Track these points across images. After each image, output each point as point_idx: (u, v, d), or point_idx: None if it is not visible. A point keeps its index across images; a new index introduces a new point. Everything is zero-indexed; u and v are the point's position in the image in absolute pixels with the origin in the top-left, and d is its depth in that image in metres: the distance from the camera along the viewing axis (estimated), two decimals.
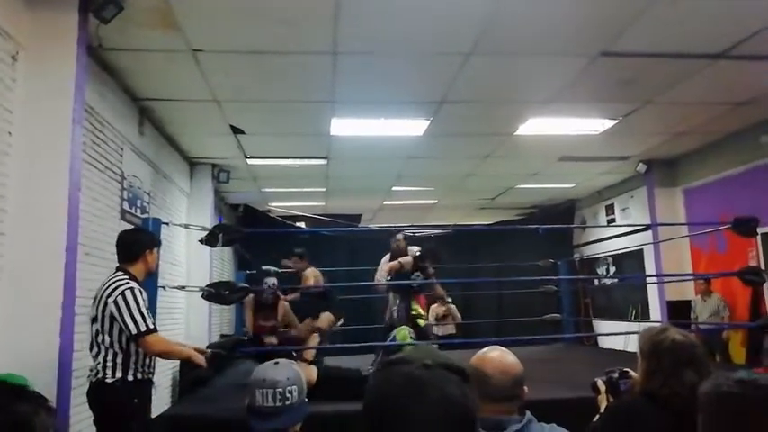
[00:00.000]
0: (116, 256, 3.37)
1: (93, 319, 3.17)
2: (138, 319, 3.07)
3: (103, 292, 3.16)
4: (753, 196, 6.57)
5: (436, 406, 0.83)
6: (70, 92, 3.41)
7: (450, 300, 8.05)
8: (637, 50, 4.54)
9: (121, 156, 5.08)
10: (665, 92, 5.45)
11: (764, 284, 6.25)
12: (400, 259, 5.89)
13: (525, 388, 1.77)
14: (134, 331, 3.06)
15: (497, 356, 1.79)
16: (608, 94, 5.48)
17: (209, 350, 3.68)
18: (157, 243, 3.55)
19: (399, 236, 6.21)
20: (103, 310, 3.13)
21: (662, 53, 4.62)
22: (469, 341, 6.60)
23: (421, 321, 5.89)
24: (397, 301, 5.79)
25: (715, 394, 1.16)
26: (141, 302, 3.12)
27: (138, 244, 3.37)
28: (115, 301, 3.09)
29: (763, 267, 6.24)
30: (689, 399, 1.68)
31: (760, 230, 6.06)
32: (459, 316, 8.21)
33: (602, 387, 2.35)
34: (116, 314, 3.08)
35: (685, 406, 1.69)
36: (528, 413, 1.73)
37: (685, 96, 5.58)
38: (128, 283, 3.16)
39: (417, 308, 6.00)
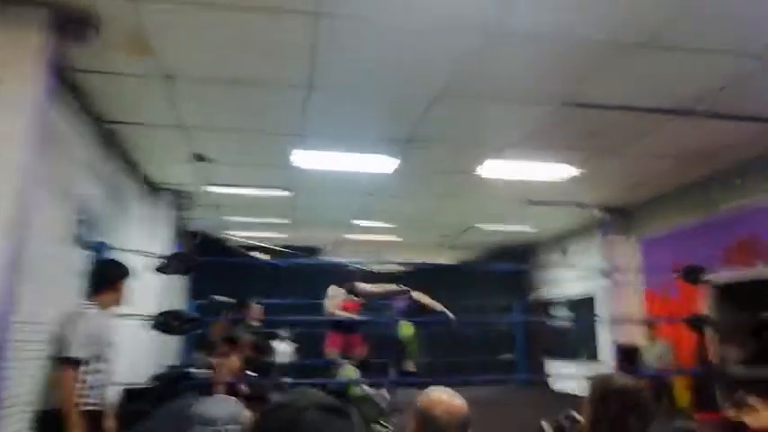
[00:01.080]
0: (66, 279, 3.34)
1: (49, 342, 3.17)
2: (68, 344, 3.03)
3: (64, 315, 3.19)
4: (705, 247, 6.82)
5: None
6: (27, 108, 3.32)
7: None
8: (600, 102, 4.72)
9: (78, 177, 4.92)
10: (626, 143, 5.67)
11: (710, 332, 6.49)
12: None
13: None
14: (59, 353, 3.03)
15: (445, 399, 1.82)
16: (570, 142, 5.67)
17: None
18: (128, 273, 3.52)
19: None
20: (55, 333, 3.14)
21: (624, 106, 4.81)
22: (425, 381, 6.55)
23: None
24: None
25: None
26: (83, 330, 3.07)
27: (109, 274, 3.40)
28: (62, 324, 3.10)
29: (710, 314, 6.45)
30: None
31: (710, 279, 6.30)
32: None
33: (548, 431, 2.38)
34: (61, 335, 3.07)
35: None
36: None
37: (644, 149, 5.82)
38: (82, 309, 3.19)
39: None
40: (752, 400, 4.08)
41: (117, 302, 3.41)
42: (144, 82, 4.29)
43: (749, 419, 3.32)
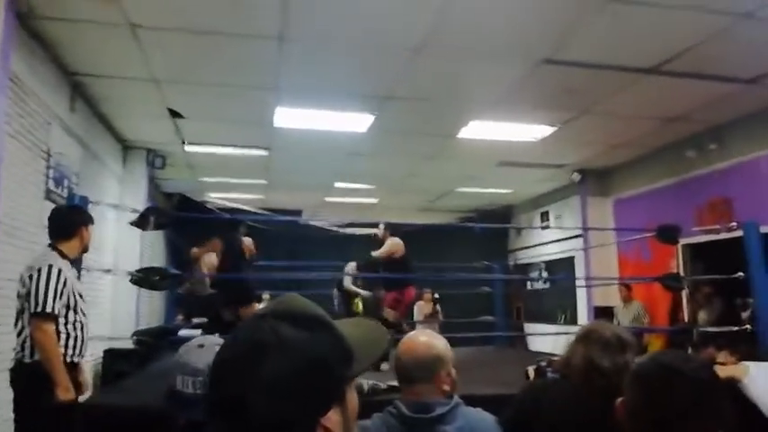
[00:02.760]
0: (40, 235, 3.24)
1: (18, 296, 3.08)
2: (41, 298, 2.93)
3: (28, 267, 3.06)
4: (677, 208, 6.93)
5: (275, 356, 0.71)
6: None
7: (437, 296, 8.31)
8: (577, 60, 4.70)
9: (49, 132, 4.81)
10: (602, 103, 5.67)
11: (683, 292, 6.62)
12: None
13: (452, 373, 1.79)
14: (32, 308, 2.94)
15: (411, 338, 1.85)
16: (548, 101, 5.65)
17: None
18: (91, 220, 3.43)
19: (381, 225, 6.14)
20: (23, 285, 3.03)
21: (600, 64, 4.80)
22: None
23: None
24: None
25: (633, 370, 1.26)
26: (54, 282, 2.98)
27: (70, 220, 3.28)
28: (30, 276, 2.99)
29: (682, 275, 6.58)
30: (600, 379, 1.80)
31: (681, 240, 6.42)
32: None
33: (532, 374, 2.53)
34: (30, 289, 2.97)
35: (598, 386, 1.78)
36: (456, 397, 1.75)
37: (620, 109, 5.83)
38: (49, 260, 3.06)
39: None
40: (720, 356, 4.25)
41: (81, 250, 3.33)
42: (110, 31, 4.15)
43: (717, 371, 3.43)
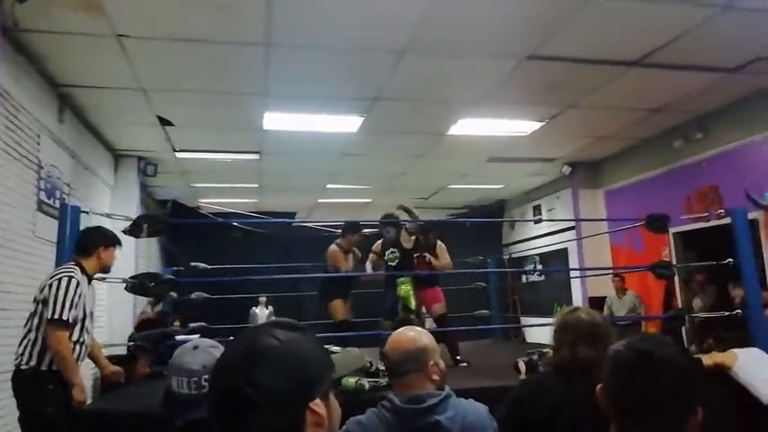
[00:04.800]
0: (33, 247, 3.31)
1: (34, 300, 3.21)
2: (59, 306, 3.06)
3: (49, 276, 3.20)
4: (667, 197, 6.99)
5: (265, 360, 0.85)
6: None
7: None
8: (562, 55, 4.75)
9: (38, 144, 4.83)
10: (588, 96, 5.72)
11: (675, 279, 6.68)
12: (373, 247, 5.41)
13: (439, 364, 1.84)
14: (48, 315, 3.05)
15: (399, 334, 1.90)
16: (535, 96, 5.70)
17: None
18: (115, 241, 3.52)
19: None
20: (41, 292, 3.15)
21: (584, 59, 4.85)
22: None
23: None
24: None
25: (609, 352, 1.28)
26: (72, 292, 3.11)
27: (90, 239, 3.42)
28: (50, 284, 3.10)
29: (675, 263, 6.63)
30: (581, 368, 1.89)
31: (672, 230, 6.48)
32: None
33: (522, 368, 2.53)
34: (47, 296, 3.08)
35: (581, 375, 1.86)
36: (447, 388, 1.79)
37: (606, 101, 5.88)
38: (71, 271, 3.19)
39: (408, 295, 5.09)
40: (717, 348, 4.34)
41: (99, 269, 3.44)
42: (96, 42, 4.18)
43: (705, 359, 3.51)
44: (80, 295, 3.17)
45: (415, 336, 1.87)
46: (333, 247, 5.55)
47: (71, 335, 3.14)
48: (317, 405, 0.84)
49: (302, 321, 0.98)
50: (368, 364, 3.41)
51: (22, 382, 3.09)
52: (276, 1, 3.74)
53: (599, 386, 1.25)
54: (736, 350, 3.45)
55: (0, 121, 4.00)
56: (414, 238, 5.27)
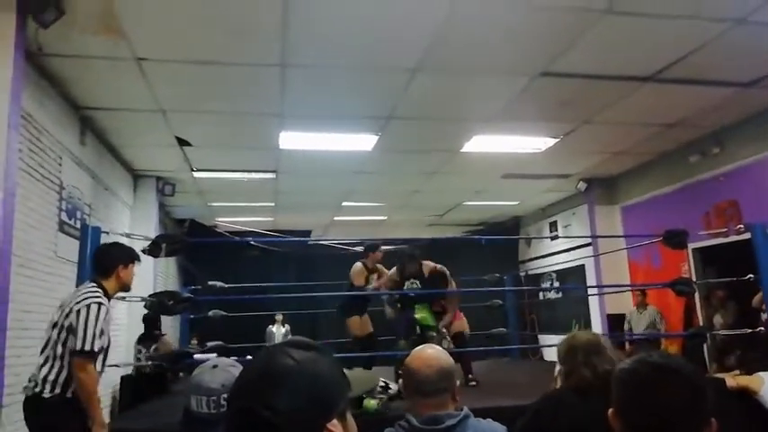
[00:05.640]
0: (54, 267, 3.27)
1: (54, 325, 3.01)
2: (89, 337, 2.89)
3: (72, 300, 3.01)
4: (685, 213, 6.92)
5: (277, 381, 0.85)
6: (6, 97, 3.31)
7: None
8: (574, 71, 4.76)
9: (60, 165, 4.93)
10: (603, 112, 5.71)
11: (695, 295, 6.58)
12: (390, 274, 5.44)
13: (457, 382, 1.83)
14: (76, 346, 2.89)
15: (425, 352, 1.87)
16: (548, 113, 5.70)
17: None
18: (133, 258, 3.35)
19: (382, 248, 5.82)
20: (66, 317, 2.97)
21: (598, 75, 4.85)
22: None
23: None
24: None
25: (618, 371, 1.27)
26: (100, 322, 2.95)
27: (107, 258, 3.23)
28: (78, 311, 2.93)
29: (694, 280, 6.54)
30: (601, 384, 1.83)
31: (690, 245, 6.39)
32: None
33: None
34: (74, 324, 2.92)
35: (599, 391, 1.81)
36: (465, 408, 1.78)
37: (621, 117, 5.86)
38: (99, 298, 3.02)
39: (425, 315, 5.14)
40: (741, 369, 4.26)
41: (119, 288, 3.28)
42: (116, 65, 4.28)
43: (729, 380, 3.45)
44: (107, 321, 3.01)
45: (440, 354, 1.84)
46: (357, 264, 5.66)
47: (95, 365, 2.99)
48: (335, 426, 0.84)
49: (318, 339, 0.99)
50: (382, 384, 3.38)
51: (45, 409, 2.93)
52: (291, 22, 3.81)
53: (610, 410, 1.24)
54: (762, 374, 3.38)
55: (23, 143, 4.08)
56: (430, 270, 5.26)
